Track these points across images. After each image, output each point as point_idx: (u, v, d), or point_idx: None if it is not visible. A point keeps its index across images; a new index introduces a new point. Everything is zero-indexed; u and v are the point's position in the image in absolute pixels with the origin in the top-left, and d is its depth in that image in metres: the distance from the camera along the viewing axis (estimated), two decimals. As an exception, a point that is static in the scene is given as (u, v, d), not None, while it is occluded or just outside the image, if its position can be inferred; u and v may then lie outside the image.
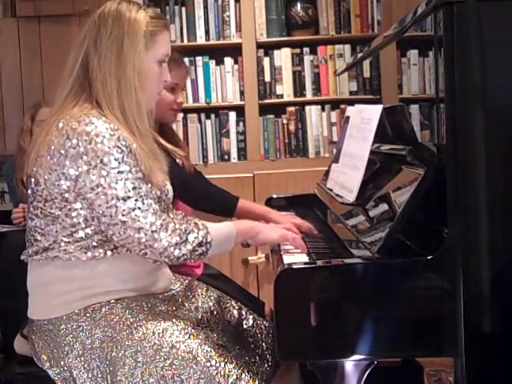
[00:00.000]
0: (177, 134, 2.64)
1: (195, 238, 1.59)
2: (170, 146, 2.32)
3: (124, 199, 1.55)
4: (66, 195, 1.60)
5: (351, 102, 2.79)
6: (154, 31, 1.68)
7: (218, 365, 1.57)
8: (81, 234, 1.61)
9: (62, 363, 1.62)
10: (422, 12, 1.56)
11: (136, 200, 1.56)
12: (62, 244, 1.62)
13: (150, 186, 1.63)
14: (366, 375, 1.56)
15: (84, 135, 1.56)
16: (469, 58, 1.45)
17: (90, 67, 1.65)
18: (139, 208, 1.56)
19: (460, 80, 1.45)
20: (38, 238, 1.65)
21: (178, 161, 2.38)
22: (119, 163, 1.56)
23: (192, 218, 1.95)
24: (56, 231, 1.62)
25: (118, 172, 1.56)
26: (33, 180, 1.65)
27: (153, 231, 1.55)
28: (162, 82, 1.75)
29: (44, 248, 1.64)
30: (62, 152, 1.57)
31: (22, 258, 1.69)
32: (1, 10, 4.03)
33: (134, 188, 1.57)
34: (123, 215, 1.55)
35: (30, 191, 1.67)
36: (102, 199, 1.55)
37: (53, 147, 1.59)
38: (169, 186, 1.80)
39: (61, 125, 1.59)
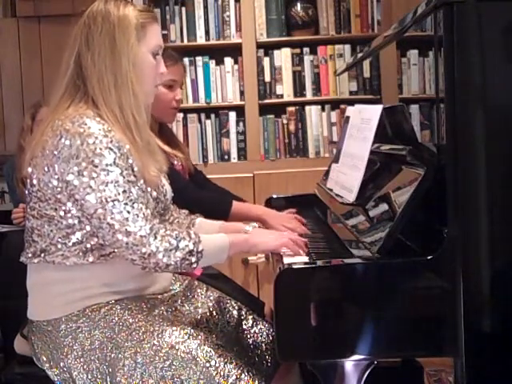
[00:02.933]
0: (176, 135, 2.64)
1: (186, 246, 1.57)
2: (167, 149, 2.32)
3: (113, 202, 1.54)
4: (59, 196, 1.59)
5: (351, 102, 2.79)
6: (144, 23, 1.69)
7: (217, 365, 1.56)
8: (77, 235, 1.61)
9: (62, 364, 1.62)
10: (422, 12, 1.56)
11: (125, 204, 1.55)
12: (59, 246, 1.62)
13: (142, 189, 1.62)
14: (366, 375, 1.56)
15: (76, 136, 1.55)
16: (469, 58, 1.45)
17: (84, 66, 1.65)
18: (128, 212, 1.54)
19: (460, 80, 1.45)
20: (36, 238, 1.65)
21: (175, 162, 2.38)
22: (110, 166, 1.55)
23: (187, 223, 1.95)
24: (52, 232, 1.62)
25: (109, 174, 1.55)
26: (28, 181, 1.65)
27: (141, 236, 1.53)
28: (159, 75, 1.75)
29: (41, 249, 1.64)
30: (55, 153, 1.57)
31: (21, 260, 1.69)
32: (1, 9, 4.04)
33: (124, 191, 1.55)
34: (111, 218, 1.54)
35: (26, 192, 1.67)
36: (92, 201, 1.55)
37: (46, 148, 1.59)
38: (167, 187, 1.79)
39: (55, 125, 1.59)
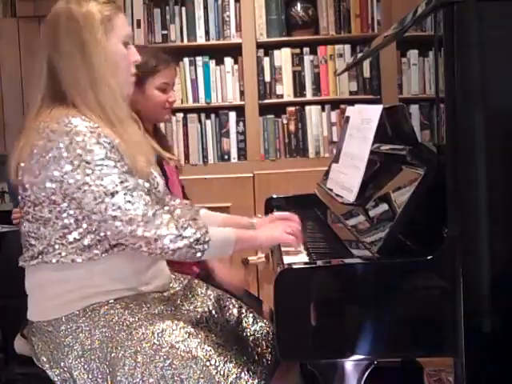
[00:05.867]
0: (166, 138, 2.67)
1: (193, 233, 1.57)
2: (155, 146, 2.35)
3: (112, 194, 1.55)
4: (54, 197, 1.59)
5: (351, 102, 2.79)
6: (109, 15, 1.68)
7: (217, 364, 1.56)
8: (74, 234, 1.61)
9: (62, 364, 1.62)
10: (421, 12, 1.56)
11: (125, 194, 1.55)
12: (56, 247, 1.62)
13: (137, 179, 1.62)
14: (366, 375, 1.56)
15: (64, 135, 1.55)
16: (469, 57, 1.45)
17: (58, 71, 1.64)
18: (129, 201, 1.55)
19: (460, 80, 1.45)
20: (33, 242, 1.65)
21: (171, 164, 2.40)
22: (103, 159, 1.56)
23: (191, 214, 1.95)
24: (49, 234, 1.62)
25: (103, 168, 1.55)
26: (20, 186, 1.64)
27: (145, 222, 1.54)
28: (133, 64, 1.74)
29: (39, 252, 1.63)
30: (44, 155, 1.57)
31: (20, 264, 1.68)
32: (1, 9, 4.04)
33: (121, 182, 1.56)
34: (113, 210, 1.54)
35: (19, 197, 1.67)
36: (90, 197, 1.55)
37: (35, 151, 1.58)
38: (158, 179, 1.79)
39: (41, 128, 1.59)
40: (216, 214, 2.01)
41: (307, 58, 3.69)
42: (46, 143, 1.57)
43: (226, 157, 3.69)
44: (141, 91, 2.29)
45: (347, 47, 3.66)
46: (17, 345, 1.82)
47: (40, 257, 1.63)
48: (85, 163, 1.55)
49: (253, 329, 1.87)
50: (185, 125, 3.68)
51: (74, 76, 1.63)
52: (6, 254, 2.77)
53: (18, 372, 1.80)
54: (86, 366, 1.60)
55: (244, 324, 1.88)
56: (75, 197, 1.57)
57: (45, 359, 1.64)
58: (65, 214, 1.60)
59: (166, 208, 1.76)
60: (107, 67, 1.65)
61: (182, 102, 3.63)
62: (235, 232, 1.70)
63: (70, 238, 1.61)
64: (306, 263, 1.64)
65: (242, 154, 3.69)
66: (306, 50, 3.69)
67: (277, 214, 2.00)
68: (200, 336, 1.61)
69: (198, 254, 1.60)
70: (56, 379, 1.63)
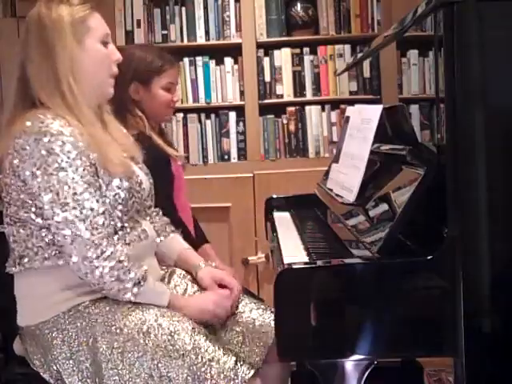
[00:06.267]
0: (167, 134, 2.68)
1: (129, 279, 1.58)
2: (171, 151, 2.36)
3: (63, 205, 1.54)
4: (22, 196, 1.59)
5: (351, 102, 2.79)
6: (83, 17, 1.66)
7: (204, 361, 1.56)
8: (50, 236, 1.60)
9: (54, 367, 1.62)
10: (421, 12, 1.56)
11: (74, 208, 1.54)
12: (35, 249, 1.61)
13: (101, 187, 1.60)
14: (366, 375, 1.56)
15: (32, 135, 1.55)
16: (469, 57, 1.45)
17: (28, 75, 1.65)
18: (76, 216, 1.54)
19: (460, 80, 1.45)
20: (13, 245, 1.65)
21: (179, 163, 2.41)
22: (64, 165, 1.54)
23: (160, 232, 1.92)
24: (27, 236, 1.62)
25: (61, 175, 1.54)
26: None
27: (86, 248, 1.53)
28: (115, 63, 1.72)
29: (20, 256, 1.63)
30: (15, 154, 1.57)
31: (7, 270, 1.68)
32: (1, 9, 4.04)
33: (75, 193, 1.54)
34: (60, 222, 1.54)
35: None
36: (46, 203, 1.54)
37: (9, 151, 1.59)
38: (142, 177, 1.77)
39: (16, 130, 1.59)
40: (174, 247, 1.95)
41: (307, 58, 3.68)
42: (16, 143, 1.57)
43: (226, 157, 3.69)
44: (147, 90, 2.31)
45: (347, 47, 3.66)
46: (16, 346, 1.81)
47: (22, 262, 1.63)
48: (46, 165, 1.54)
49: (244, 317, 1.84)
50: (185, 125, 3.68)
51: (41, 82, 1.63)
52: (6, 254, 2.77)
53: (17, 372, 1.80)
54: (75, 368, 1.60)
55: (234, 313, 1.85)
56: (33, 198, 1.57)
57: (38, 363, 1.65)
58: (40, 216, 1.60)
59: (114, 228, 1.67)
60: (75, 72, 1.63)
61: (181, 102, 3.62)
62: (170, 297, 1.68)
63: (47, 239, 1.61)
64: (306, 263, 1.64)
65: (242, 153, 3.68)
66: (306, 50, 3.69)
67: (219, 276, 1.87)
68: (186, 331, 1.60)
69: (130, 299, 1.61)
70: (52, 381, 1.63)
